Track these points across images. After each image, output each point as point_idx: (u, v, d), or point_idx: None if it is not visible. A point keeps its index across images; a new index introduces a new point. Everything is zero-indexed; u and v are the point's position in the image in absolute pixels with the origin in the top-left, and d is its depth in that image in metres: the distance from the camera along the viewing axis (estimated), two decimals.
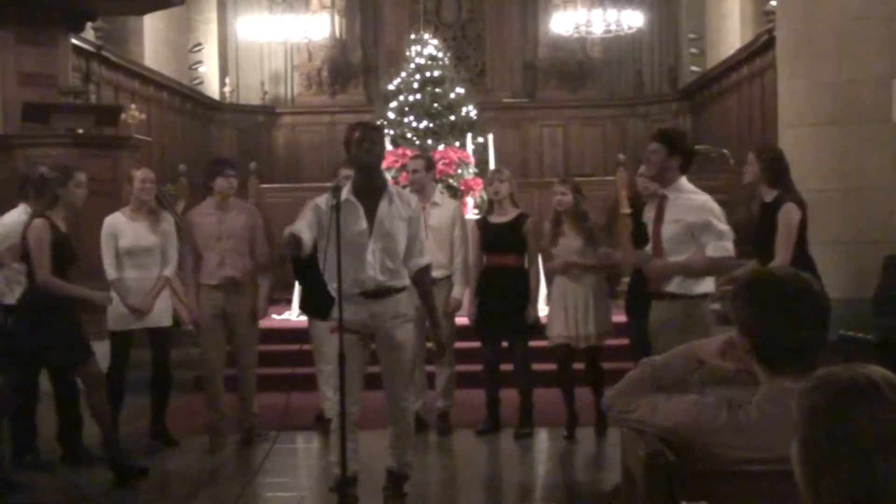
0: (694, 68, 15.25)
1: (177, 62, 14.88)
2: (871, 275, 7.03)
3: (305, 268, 4.77)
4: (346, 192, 4.78)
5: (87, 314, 6.04)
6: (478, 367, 6.91)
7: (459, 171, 10.64)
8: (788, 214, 5.48)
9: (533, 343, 6.70)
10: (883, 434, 1.50)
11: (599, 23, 14.36)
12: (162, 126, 13.29)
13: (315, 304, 4.84)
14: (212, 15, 15.97)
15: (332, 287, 4.56)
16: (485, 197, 9.09)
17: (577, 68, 15.92)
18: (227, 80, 16.01)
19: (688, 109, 15.52)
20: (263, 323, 7.02)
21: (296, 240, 4.53)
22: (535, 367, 6.72)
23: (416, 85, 12.04)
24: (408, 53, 12.70)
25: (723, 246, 4.71)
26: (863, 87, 7.44)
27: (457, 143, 11.29)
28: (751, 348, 2.26)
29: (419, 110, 11.84)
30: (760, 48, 11.41)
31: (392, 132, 11.41)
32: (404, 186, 6.95)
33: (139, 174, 6.45)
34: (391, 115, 11.92)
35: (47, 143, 8.12)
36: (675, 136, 5.02)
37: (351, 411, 4.73)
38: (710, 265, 4.75)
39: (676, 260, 4.77)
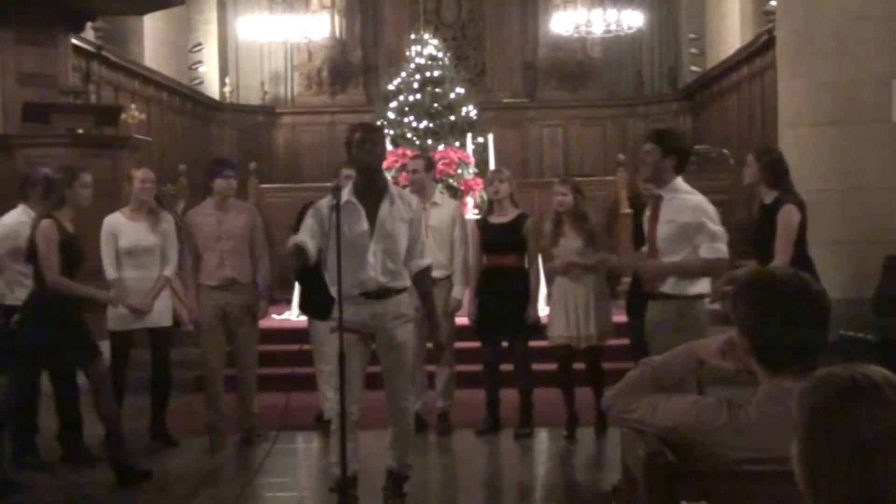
0: (694, 68, 15.25)
1: (177, 62, 14.88)
2: (871, 275, 7.03)
3: (306, 268, 4.78)
4: (347, 194, 4.79)
5: (93, 314, 6.05)
6: (478, 367, 6.91)
7: (459, 171, 10.64)
8: (788, 216, 5.48)
9: (533, 343, 6.70)
10: (883, 434, 1.50)
11: (599, 23, 14.36)
12: (162, 126, 13.30)
13: (315, 305, 4.84)
14: (212, 15, 15.97)
15: (334, 288, 4.57)
16: (485, 197, 9.09)
17: (577, 68, 15.92)
18: (227, 80, 16.02)
19: (688, 109, 15.52)
20: (263, 323, 7.02)
21: (300, 251, 4.55)
22: (535, 367, 6.72)
23: (416, 85, 12.05)
24: (408, 53, 12.70)
25: (716, 248, 4.70)
26: (863, 87, 7.44)
27: (457, 143, 11.29)
28: (751, 348, 2.26)
29: (419, 110, 11.85)
30: (760, 48, 11.41)
31: (392, 132, 11.41)
32: (404, 186, 6.95)
33: (139, 174, 6.45)
34: (391, 115, 11.92)
35: (47, 143, 8.12)
36: (670, 136, 5.01)
37: (351, 411, 4.73)
38: (704, 267, 4.74)
39: (671, 260, 4.77)
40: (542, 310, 6.91)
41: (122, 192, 7.18)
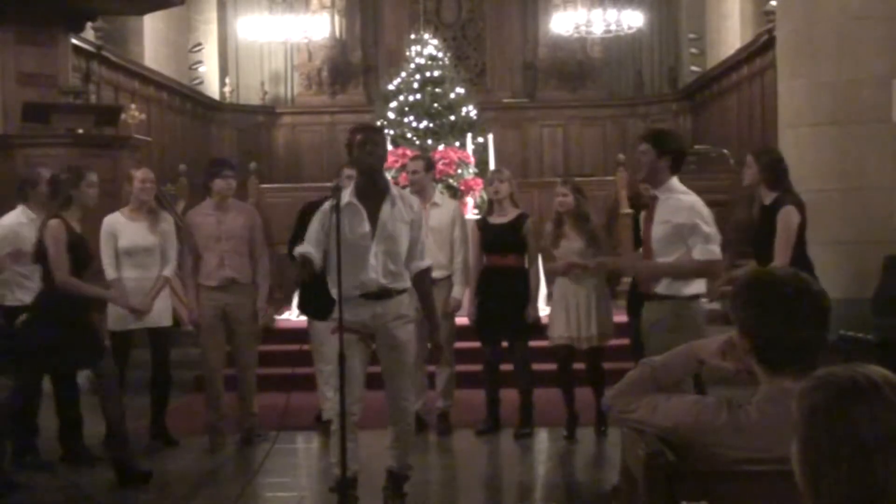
0: (694, 68, 15.25)
1: (177, 62, 14.88)
2: (871, 275, 7.02)
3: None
4: (348, 195, 4.80)
5: (101, 314, 6.06)
6: (478, 367, 6.91)
7: (459, 171, 10.65)
8: (787, 217, 5.48)
9: (533, 343, 6.70)
10: (883, 434, 1.50)
11: (599, 23, 14.36)
12: (162, 126, 13.30)
13: (315, 305, 4.85)
14: (212, 15, 15.98)
15: (335, 289, 4.58)
16: (485, 197, 9.09)
17: (577, 68, 15.92)
18: (227, 80, 16.02)
19: (688, 109, 15.52)
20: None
21: (307, 262, 4.57)
22: (535, 367, 6.72)
23: (416, 85, 12.05)
24: (408, 53, 12.71)
25: (709, 249, 4.70)
26: (863, 87, 7.43)
27: (457, 143, 11.30)
28: (751, 348, 2.26)
29: (419, 110, 11.85)
30: (760, 48, 11.41)
31: (392, 132, 11.41)
32: (404, 187, 6.95)
33: (139, 174, 6.45)
34: (391, 115, 11.92)
35: (47, 143, 8.12)
36: (664, 136, 5.00)
37: (352, 411, 4.73)
38: (697, 268, 4.74)
39: (665, 261, 4.78)
40: (543, 310, 6.91)
41: (122, 192, 7.18)
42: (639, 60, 16.36)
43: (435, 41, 12.81)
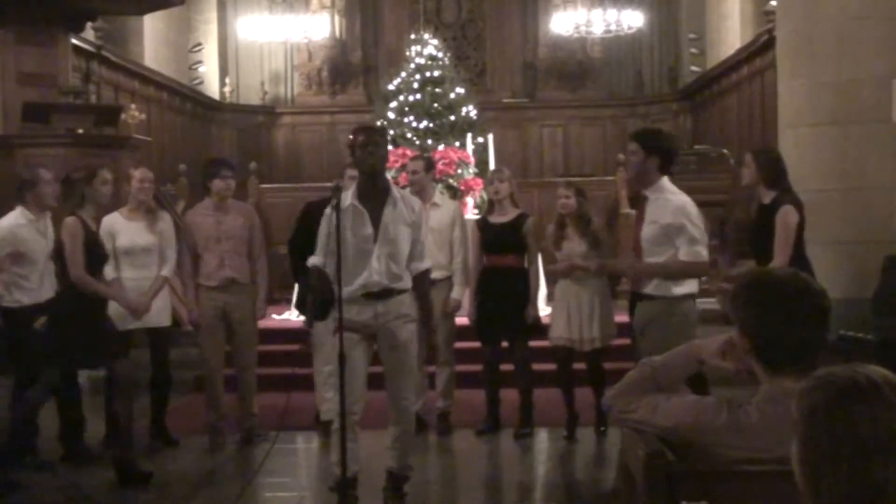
0: (694, 68, 15.25)
1: (177, 62, 14.88)
2: (871, 275, 7.02)
3: (307, 268, 4.80)
4: (350, 197, 4.80)
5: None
6: (478, 367, 6.91)
7: (459, 171, 10.64)
8: (786, 216, 5.48)
9: (533, 343, 6.70)
10: (883, 434, 1.50)
11: (599, 23, 14.36)
12: (162, 126, 13.30)
13: (314, 305, 4.86)
14: (212, 15, 15.98)
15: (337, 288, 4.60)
16: (485, 197, 9.09)
17: (577, 68, 15.92)
18: (227, 80, 16.02)
19: (688, 109, 15.52)
20: (263, 323, 7.02)
21: (322, 274, 4.60)
22: (535, 367, 6.72)
23: (416, 85, 12.04)
24: (408, 53, 12.70)
25: (695, 251, 4.70)
26: (863, 87, 7.43)
27: (457, 143, 11.29)
28: (751, 348, 2.26)
29: (419, 110, 11.85)
30: (760, 48, 11.41)
31: (392, 132, 11.40)
32: (404, 187, 6.95)
33: (137, 174, 6.45)
34: (391, 115, 11.92)
35: (47, 143, 8.12)
36: (652, 135, 5.00)
37: (353, 411, 4.73)
38: (683, 269, 4.74)
39: (654, 261, 4.78)
40: (543, 310, 6.91)
41: (122, 192, 7.18)
42: (639, 60, 16.36)
43: (435, 41, 12.80)
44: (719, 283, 5.48)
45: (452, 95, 12.00)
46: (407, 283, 4.92)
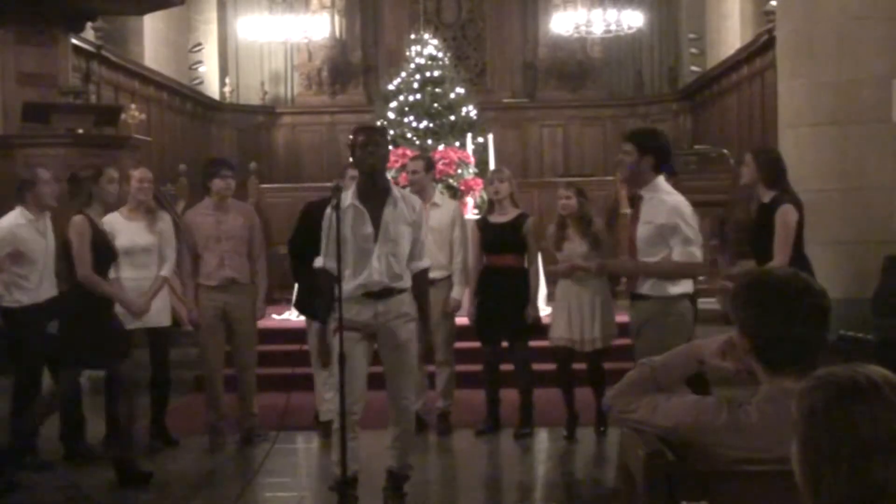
0: (694, 68, 15.25)
1: (177, 62, 14.89)
2: (871, 275, 7.02)
3: (306, 268, 4.80)
4: (350, 197, 4.81)
5: None
6: (478, 367, 6.91)
7: (459, 171, 10.64)
8: (786, 215, 5.48)
9: (533, 343, 6.70)
10: (883, 434, 1.50)
11: (599, 23, 14.36)
12: (162, 126, 13.30)
13: (314, 305, 4.87)
14: (212, 15, 15.98)
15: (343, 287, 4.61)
16: (485, 197, 9.09)
17: (577, 68, 15.92)
18: (227, 80, 16.02)
19: (688, 109, 15.52)
20: (263, 323, 7.02)
21: (329, 276, 4.60)
22: (535, 367, 6.72)
23: (416, 85, 12.05)
24: (408, 53, 12.71)
25: (689, 251, 4.69)
26: (863, 87, 7.43)
27: (457, 143, 11.30)
28: (751, 348, 2.26)
29: (419, 110, 11.85)
30: (760, 48, 11.41)
31: (392, 132, 11.41)
32: (404, 186, 6.95)
33: (137, 174, 6.45)
34: (391, 115, 11.92)
35: (47, 143, 8.11)
36: (646, 135, 4.99)
37: (353, 410, 4.73)
38: (676, 269, 4.74)
39: (648, 261, 4.78)
40: (543, 309, 6.90)
41: (122, 191, 7.17)
42: (639, 60, 16.36)
43: (435, 41, 12.81)
44: (720, 282, 5.48)
45: (452, 95, 12.00)
46: (407, 282, 4.92)
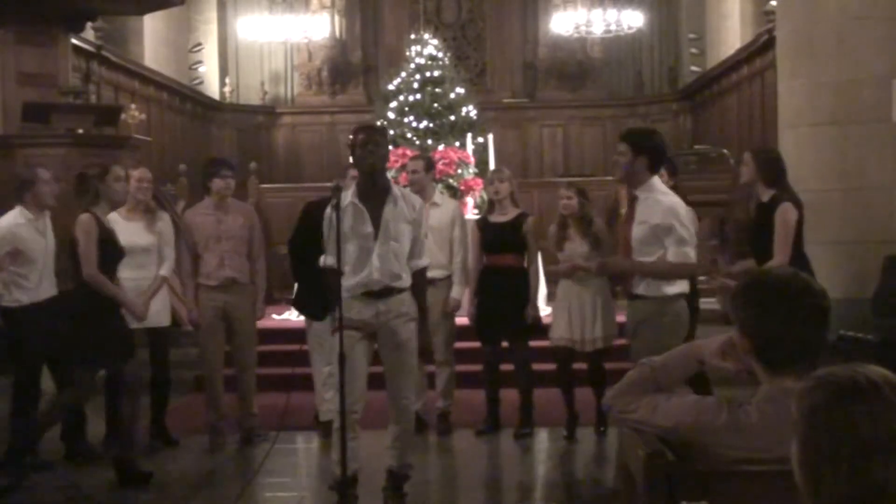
0: (694, 68, 15.25)
1: (177, 62, 14.89)
2: (871, 275, 7.03)
3: (306, 267, 4.80)
4: (350, 196, 4.81)
5: None
6: (478, 367, 6.91)
7: (459, 171, 10.64)
8: (785, 214, 5.49)
9: (533, 343, 6.70)
10: (883, 434, 1.50)
11: (599, 23, 14.36)
12: (162, 126, 13.30)
13: (313, 305, 4.86)
14: (212, 15, 15.98)
15: (343, 286, 4.60)
16: (485, 197, 9.09)
17: (577, 68, 15.92)
18: (227, 80, 16.02)
19: (688, 109, 15.52)
20: (263, 323, 7.02)
21: (337, 272, 4.60)
22: (535, 367, 6.72)
23: (416, 85, 12.05)
24: (408, 53, 12.70)
25: (683, 252, 4.70)
26: (863, 87, 7.43)
27: (457, 143, 11.30)
28: (751, 348, 2.25)
29: (419, 110, 11.85)
30: (760, 48, 11.41)
31: (392, 132, 11.41)
32: (404, 186, 6.95)
33: (136, 173, 6.44)
34: (391, 115, 11.92)
35: (47, 143, 8.11)
36: (640, 135, 4.99)
37: (354, 410, 4.73)
38: (670, 270, 4.74)
39: (643, 261, 4.78)
40: (543, 309, 6.90)
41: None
42: (639, 60, 16.36)
43: (435, 41, 12.81)
44: (720, 279, 5.47)
45: (452, 95, 12.00)
46: (407, 281, 4.92)
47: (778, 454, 1.99)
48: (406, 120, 11.82)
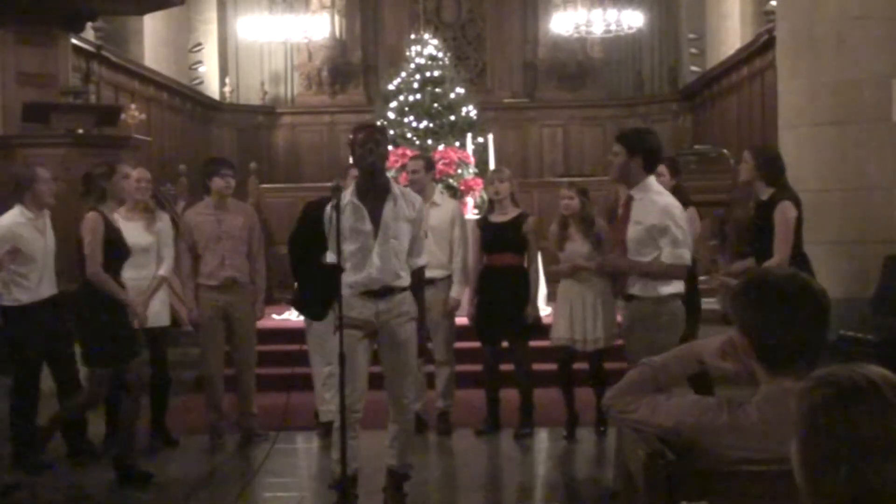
0: (694, 68, 15.25)
1: (177, 62, 14.89)
2: (871, 275, 7.03)
3: (306, 267, 4.80)
4: (349, 195, 4.81)
5: None
6: (478, 367, 6.91)
7: (459, 171, 10.64)
8: (785, 211, 5.49)
9: (533, 343, 6.70)
10: (883, 434, 1.50)
11: (599, 23, 14.36)
12: (162, 126, 13.30)
13: (313, 305, 4.86)
14: (212, 15, 15.98)
15: (343, 282, 4.61)
16: (485, 197, 9.09)
17: (577, 68, 15.92)
18: (227, 80, 16.02)
19: (688, 109, 15.52)
20: (263, 323, 7.02)
21: (341, 269, 4.62)
22: (535, 367, 6.72)
23: (416, 85, 12.04)
24: (408, 53, 12.70)
25: (678, 253, 4.69)
26: (863, 87, 7.44)
27: (457, 143, 11.29)
28: (751, 348, 2.25)
29: (419, 110, 11.85)
30: (760, 48, 11.41)
31: (392, 132, 11.40)
32: (404, 186, 6.95)
33: (135, 173, 6.43)
34: (391, 115, 11.92)
35: (47, 143, 8.10)
36: (635, 136, 4.99)
37: (355, 409, 4.73)
38: (664, 270, 4.74)
39: (638, 261, 4.78)
40: (543, 309, 6.90)
41: None
42: (639, 60, 16.35)
43: (435, 41, 12.80)
44: (720, 277, 5.48)
45: (452, 95, 12.00)
46: (407, 280, 4.92)
47: (778, 454, 1.99)
48: (406, 120, 11.82)
